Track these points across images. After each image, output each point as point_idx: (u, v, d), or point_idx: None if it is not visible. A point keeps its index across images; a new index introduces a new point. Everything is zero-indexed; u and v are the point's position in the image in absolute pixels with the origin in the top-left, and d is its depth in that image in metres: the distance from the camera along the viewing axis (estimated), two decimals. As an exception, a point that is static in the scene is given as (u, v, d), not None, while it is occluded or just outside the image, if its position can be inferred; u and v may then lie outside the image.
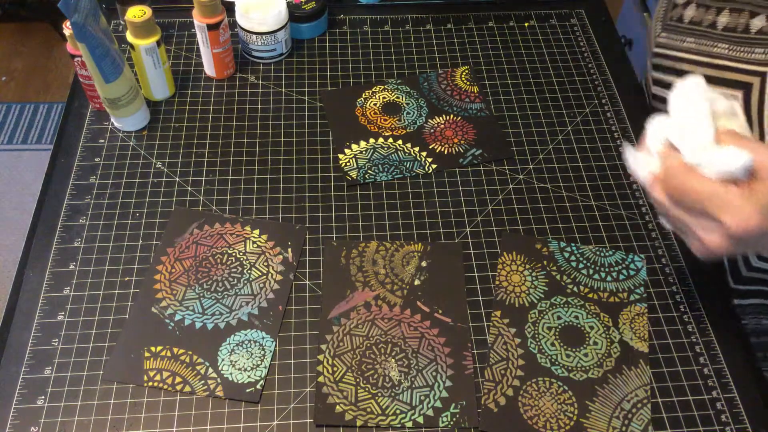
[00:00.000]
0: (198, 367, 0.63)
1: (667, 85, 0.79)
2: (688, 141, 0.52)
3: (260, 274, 0.70)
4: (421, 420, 0.61)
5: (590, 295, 0.69)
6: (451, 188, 0.78)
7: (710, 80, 0.70)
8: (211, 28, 0.81)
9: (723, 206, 0.50)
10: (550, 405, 0.62)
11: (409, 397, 0.62)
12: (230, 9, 0.88)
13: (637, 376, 0.64)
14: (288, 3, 0.91)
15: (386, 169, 0.79)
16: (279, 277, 0.70)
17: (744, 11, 0.67)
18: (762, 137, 0.64)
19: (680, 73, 0.76)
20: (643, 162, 0.56)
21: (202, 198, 0.76)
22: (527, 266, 0.71)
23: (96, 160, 0.79)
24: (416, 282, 0.70)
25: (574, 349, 0.66)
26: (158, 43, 0.79)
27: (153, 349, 0.64)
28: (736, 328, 0.68)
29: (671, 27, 0.77)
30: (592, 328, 0.67)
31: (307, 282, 0.70)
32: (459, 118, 0.85)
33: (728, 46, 0.68)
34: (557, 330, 0.67)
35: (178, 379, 0.63)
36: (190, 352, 0.64)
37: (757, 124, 0.65)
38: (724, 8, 0.69)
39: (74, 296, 0.68)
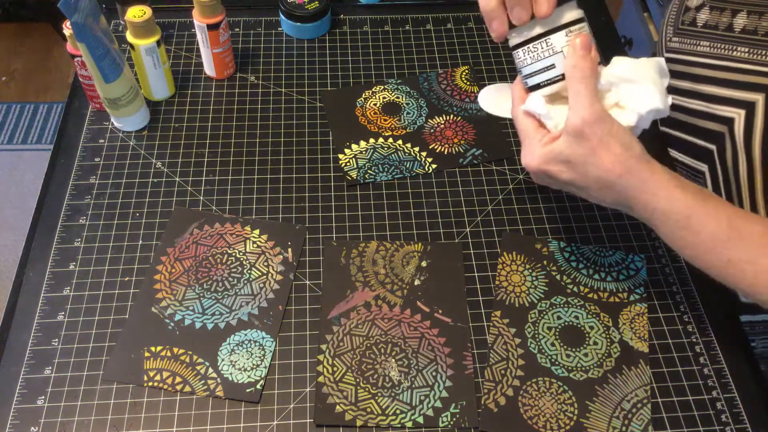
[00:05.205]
0: (198, 367, 0.63)
1: (681, 92, 0.78)
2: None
3: (260, 274, 0.70)
4: (421, 420, 0.61)
5: (590, 295, 0.69)
6: (451, 188, 0.78)
7: (728, 84, 0.71)
8: (211, 28, 0.81)
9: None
10: (550, 405, 0.62)
11: (409, 397, 0.62)
12: (228, 8, 0.88)
13: (637, 376, 0.64)
14: (291, 3, 0.91)
15: (386, 169, 0.79)
16: (279, 277, 0.70)
17: (766, 14, 0.66)
18: None
19: (694, 78, 0.75)
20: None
21: (202, 198, 0.76)
22: (527, 266, 0.71)
23: (96, 160, 0.79)
24: (416, 282, 0.70)
25: (574, 349, 0.66)
26: (158, 43, 0.79)
27: (153, 349, 0.64)
28: (736, 328, 0.69)
29: (684, 32, 0.76)
30: (592, 328, 0.67)
31: (307, 282, 0.70)
32: (459, 118, 0.85)
33: (748, 50, 0.67)
34: (557, 330, 0.67)
35: (178, 379, 0.63)
36: (190, 352, 0.64)
37: None
38: (741, 10, 0.68)
39: (74, 296, 0.68)
